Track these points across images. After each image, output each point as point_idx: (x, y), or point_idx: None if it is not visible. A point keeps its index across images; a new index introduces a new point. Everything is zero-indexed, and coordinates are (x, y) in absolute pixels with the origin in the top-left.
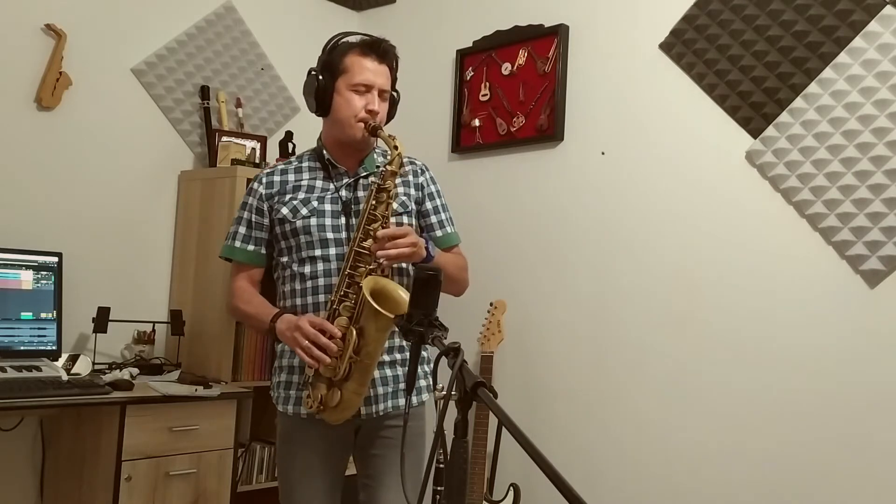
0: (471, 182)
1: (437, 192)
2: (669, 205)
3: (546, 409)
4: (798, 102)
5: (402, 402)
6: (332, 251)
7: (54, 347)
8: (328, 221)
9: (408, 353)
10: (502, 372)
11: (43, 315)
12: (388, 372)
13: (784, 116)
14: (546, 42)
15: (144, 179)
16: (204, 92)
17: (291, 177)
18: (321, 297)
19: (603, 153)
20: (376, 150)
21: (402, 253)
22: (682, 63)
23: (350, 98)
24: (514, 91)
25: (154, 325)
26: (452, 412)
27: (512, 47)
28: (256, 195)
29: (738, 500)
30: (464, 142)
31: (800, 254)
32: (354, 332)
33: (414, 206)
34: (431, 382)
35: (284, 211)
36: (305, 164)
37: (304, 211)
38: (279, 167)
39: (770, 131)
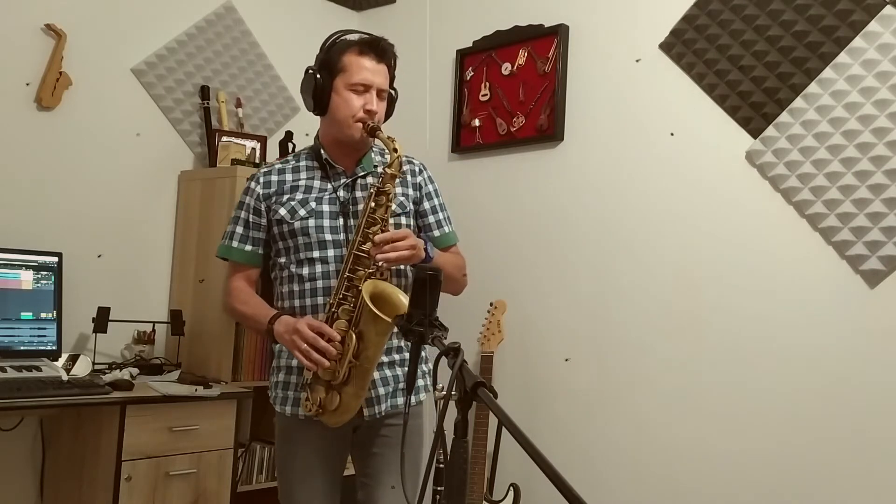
0: (471, 182)
1: (435, 191)
2: (669, 205)
3: (546, 409)
4: (798, 102)
5: (400, 401)
6: (331, 253)
7: (54, 347)
8: (326, 223)
9: (407, 354)
10: (502, 372)
11: (43, 315)
12: (388, 372)
13: (784, 116)
14: (546, 42)
15: (144, 179)
16: (204, 92)
17: (289, 176)
18: (319, 300)
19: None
20: (374, 149)
21: (401, 256)
22: (682, 63)
23: (348, 98)
24: (514, 91)
25: (154, 325)
26: (452, 412)
27: (512, 47)
28: (254, 195)
29: (738, 499)
30: (464, 142)
31: (800, 254)
32: (354, 337)
33: (412, 207)
34: (429, 381)
35: (282, 212)
36: (303, 164)
37: (302, 212)
38: (276, 166)
39: (770, 131)
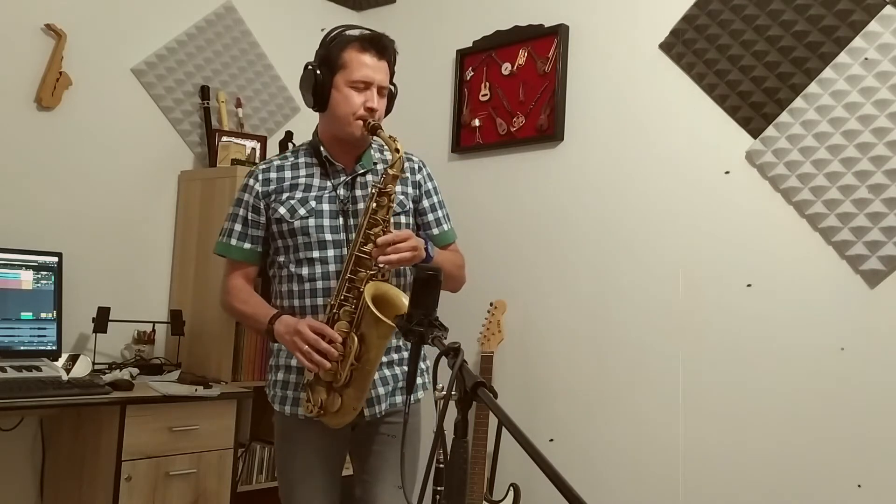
0: (471, 182)
1: (434, 188)
2: (669, 205)
3: (546, 409)
4: (798, 102)
5: (399, 399)
6: (331, 253)
7: (54, 347)
8: (326, 222)
9: (406, 353)
10: (502, 372)
11: (43, 315)
12: (387, 372)
13: (784, 116)
14: (546, 42)
15: (144, 179)
16: (204, 92)
17: (288, 173)
18: (319, 300)
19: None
20: (373, 146)
21: (402, 258)
22: (682, 63)
23: (348, 95)
24: (514, 91)
25: (154, 325)
26: (452, 412)
27: (512, 47)
28: (253, 192)
29: (738, 499)
30: (464, 142)
31: (800, 254)
32: (356, 339)
33: (411, 205)
34: (427, 379)
35: (282, 211)
36: (302, 160)
37: (301, 211)
38: (275, 163)
39: (770, 131)
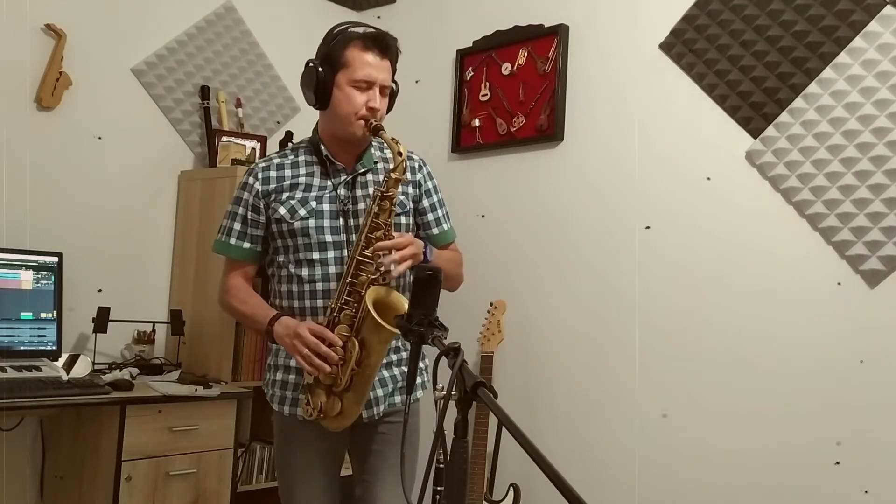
0: (471, 182)
1: (434, 187)
2: (669, 205)
3: (546, 409)
4: (798, 102)
5: (398, 399)
6: (331, 254)
7: (54, 347)
8: (326, 223)
9: (405, 354)
10: (502, 372)
11: (43, 315)
12: (386, 373)
13: (784, 116)
14: (546, 42)
15: (144, 179)
16: (204, 92)
17: (288, 172)
18: (319, 302)
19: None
20: (373, 144)
21: (407, 265)
22: (682, 63)
23: (351, 94)
24: (514, 91)
25: (154, 325)
26: (452, 412)
27: (512, 47)
28: (252, 191)
29: (738, 499)
30: (464, 142)
31: (800, 254)
32: (357, 344)
33: (411, 205)
34: (427, 379)
35: (282, 211)
36: (302, 158)
37: (302, 212)
38: (275, 161)
39: (770, 131)
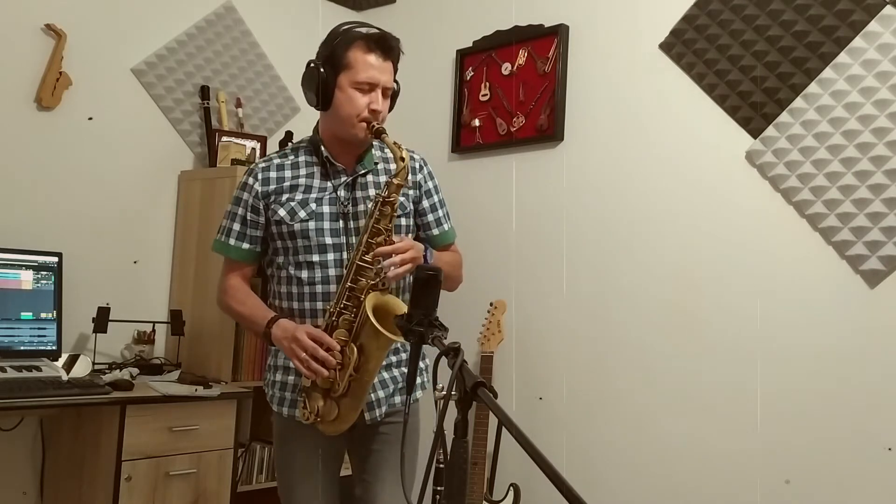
0: (471, 182)
1: (435, 187)
2: (669, 205)
3: (546, 409)
4: (798, 102)
5: (397, 399)
6: (331, 257)
7: (54, 347)
8: (326, 225)
9: (404, 355)
10: (502, 372)
11: (43, 315)
12: (386, 375)
13: (784, 116)
14: (546, 42)
15: (144, 179)
16: (204, 92)
17: (288, 173)
18: (318, 304)
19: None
20: (374, 145)
21: (407, 269)
22: (682, 63)
23: (353, 96)
24: (514, 91)
25: (154, 325)
26: (452, 412)
27: (512, 47)
28: (252, 192)
29: (738, 499)
30: (464, 142)
31: (800, 254)
32: (356, 350)
33: (411, 206)
34: (427, 379)
35: (282, 213)
36: (302, 159)
37: (301, 214)
38: (275, 161)
39: (770, 131)
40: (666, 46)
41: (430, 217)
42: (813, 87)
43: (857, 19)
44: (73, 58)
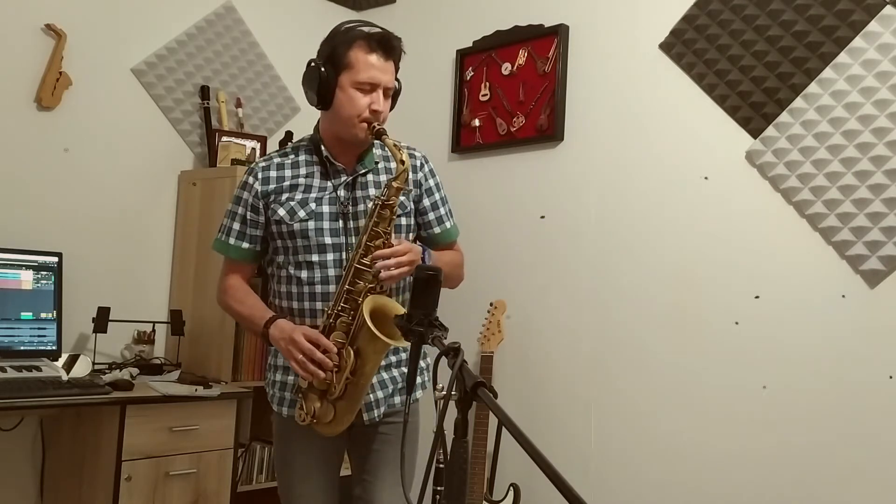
0: (471, 182)
1: (437, 185)
2: (669, 205)
3: (546, 409)
4: (798, 102)
5: (397, 399)
6: (330, 257)
7: (54, 347)
8: (326, 225)
9: (404, 355)
10: (502, 372)
11: (43, 315)
12: (385, 375)
13: (784, 116)
14: (546, 42)
15: (144, 179)
16: (204, 92)
17: (288, 172)
18: (318, 304)
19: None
20: (375, 144)
21: (402, 272)
22: (682, 63)
23: (353, 96)
24: (514, 91)
25: (154, 325)
26: (452, 412)
27: (512, 47)
28: (252, 191)
29: (738, 499)
30: (464, 142)
31: (800, 254)
32: (352, 354)
33: (412, 206)
34: (427, 379)
35: (281, 212)
36: (302, 158)
37: (301, 213)
38: (275, 160)
39: (770, 131)
40: (666, 46)
41: (432, 215)
42: (813, 87)
43: (857, 19)
44: (73, 58)
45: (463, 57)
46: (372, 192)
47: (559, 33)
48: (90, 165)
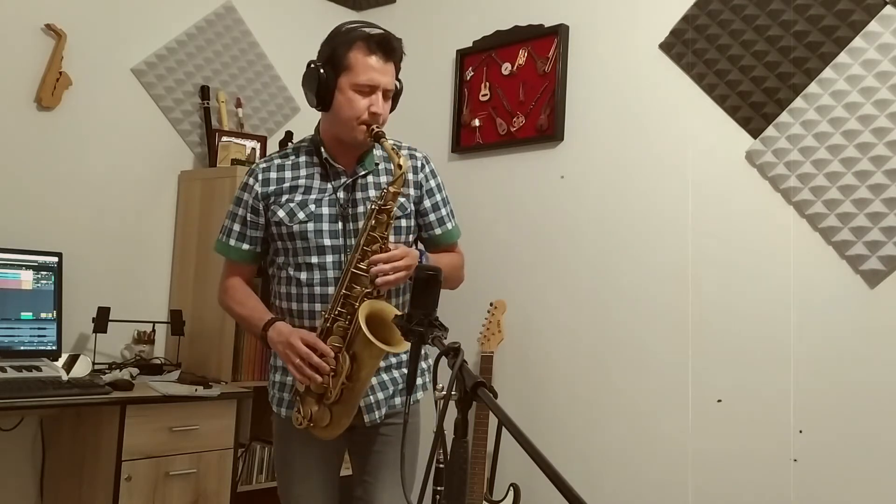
0: (471, 182)
1: (437, 185)
2: (669, 205)
3: (546, 409)
4: (798, 102)
5: (397, 400)
6: (329, 259)
7: (54, 347)
8: (325, 226)
9: (404, 356)
10: (502, 372)
11: (43, 315)
12: (385, 376)
13: (784, 116)
14: (546, 42)
15: (144, 179)
16: (204, 92)
17: (288, 174)
18: (317, 306)
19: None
20: (376, 145)
21: (399, 277)
22: (682, 63)
23: (353, 98)
24: (514, 91)
25: (154, 325)
26: (452, 412)
27: (512, 47)
28: (252, 193)
29: (738, 499)
30: (464, 142)
31: (800, 254)
32: (348, 359)
33: (412, 207)
34: (427, 379)
35: (281, 214)
36: (302, 159)
37: (301, 215)
38: (276, 161)
39: (770, 131)
40: (666, 46)
41: (432, 216)
42: (813, 87)
43: (857, 19)
44: (73, 58)
45: (463, 57)
46: (372, 193)
47: (559, 33)
48: (90, 165)
